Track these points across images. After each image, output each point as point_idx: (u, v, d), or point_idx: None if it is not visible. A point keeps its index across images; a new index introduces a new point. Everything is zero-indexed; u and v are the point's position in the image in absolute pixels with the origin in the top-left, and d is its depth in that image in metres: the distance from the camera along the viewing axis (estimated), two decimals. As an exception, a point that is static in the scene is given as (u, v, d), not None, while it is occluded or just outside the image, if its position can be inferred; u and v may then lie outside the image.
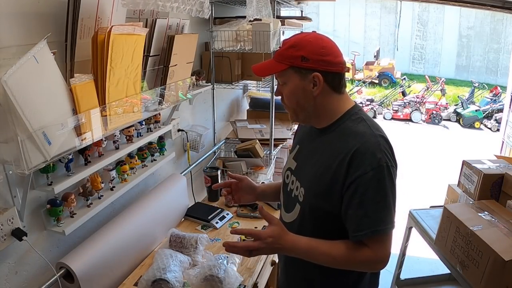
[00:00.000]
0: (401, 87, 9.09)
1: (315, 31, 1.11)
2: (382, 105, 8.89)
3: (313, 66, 1.00)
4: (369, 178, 0.96)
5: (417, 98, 8.56)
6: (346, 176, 0.98)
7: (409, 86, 9.49)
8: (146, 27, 1.44)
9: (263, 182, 1.86)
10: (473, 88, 8.63)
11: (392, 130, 7.53)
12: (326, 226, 1.06)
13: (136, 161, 1.62)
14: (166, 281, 1.35)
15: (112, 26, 1.12)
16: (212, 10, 2.22)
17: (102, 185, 1.40)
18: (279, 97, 1.12)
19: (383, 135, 1.03)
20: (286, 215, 1.18)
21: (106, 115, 1.22)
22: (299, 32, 1.10)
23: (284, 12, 3.47)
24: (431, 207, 2.25)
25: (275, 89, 2.26)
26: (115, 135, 1.47)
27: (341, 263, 1.01)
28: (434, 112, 8.01)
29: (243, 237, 1.68)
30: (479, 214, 1.65)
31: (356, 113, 1.07)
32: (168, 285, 1.35)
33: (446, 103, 8.69)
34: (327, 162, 1.03)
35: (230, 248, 1.02)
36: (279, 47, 1.06)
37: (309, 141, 1.16)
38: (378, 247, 0.99)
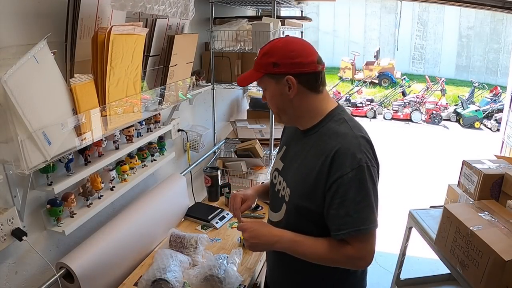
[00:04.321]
0: (401, 87, 9.09)
1: (288, 35, 1.14)
2: (382, 105, 8.88)
3: (285, 70, 1.03)
4: (350, 178, 0.98)
5: (417, 98, 8.56)
6: (328, 177, 1.01)
7: (409, 86, 9.49)
8: (146, 27, 1.44)
9: (262, 183, 1.86)
10: (473, 88, 8.62)
11: (392, 130, 7.53)
12: (310, 225, 1.09)
13: (136, 161, 1.62)
14: (166, 281, 1.35)
15: (112, 26, 1.12)
16: (212, 10, 2.22)
17: (102, 185, 1.40)
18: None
19: (364, 135, 1.05)
20: (273, 214, 1.22)
21: (106, 115, 1.22)
22: (277, 38, 1.14)
23: (284, 12, 3.47)
24: (431, 207, 2.25)
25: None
26: (115, 135, 1.47)
27: (324, 258, 1.05)
28: (434, 112, 8.01)
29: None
30: (479, 214, 1.65)
31: (339, 113, 1.10)
32: (168, 285, 1.35)
33: (446, 103, 8.68)
34: (311, 164, 1.06)
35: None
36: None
37: (295, 142, 1.19)
38: (360, 246, 1.01)
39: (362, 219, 0.99)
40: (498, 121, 7.01)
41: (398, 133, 7.29)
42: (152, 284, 1.36)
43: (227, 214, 1.92)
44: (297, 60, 1.03)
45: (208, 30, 2.20)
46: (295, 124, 1.16)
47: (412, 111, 8.14)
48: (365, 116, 8.32)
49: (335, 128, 1.06)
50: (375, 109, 8.40)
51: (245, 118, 3.03)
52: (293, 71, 1.03)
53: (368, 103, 8.72)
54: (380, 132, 7.30)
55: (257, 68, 1.08)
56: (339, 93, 9.33)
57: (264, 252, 1.64)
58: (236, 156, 2.46)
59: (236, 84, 2.37)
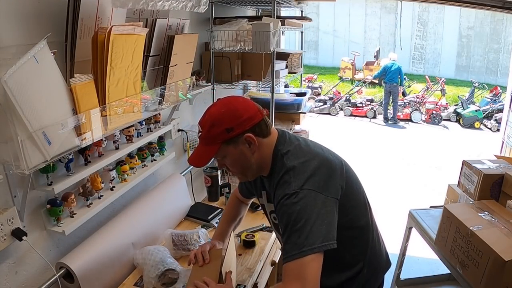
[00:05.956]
0: (401, 87, 9.08)
1: (219, 98, 1.14)
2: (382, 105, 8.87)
3: (240, 131, 1.06)
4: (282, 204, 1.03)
5: (417, 98, 8.55)
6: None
7: (409, 86, 9.48)
8: (146, 27, 1.44)
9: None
10: (473, 88, 8.61)
11: (392, 130, 7.53)
12: None
13: (136, 161, 1.62)
14: (171, 269, 1.39)
15: (112, 26, 1.12)
16: (212, 10, 2.22)
17: (102, 185, 1.40)
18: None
19: (300, 163, 1.06)
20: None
21: (106, 115, 1.22)
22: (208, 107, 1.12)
23: (284, 12, 3.47)
24: (431, 207, 2.24)
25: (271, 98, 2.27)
26: (115, 135, 1.47)
27: None
28: (434, 112, 8.00)
29: (242, 236, 1.68)
30: (479, 214, 1.65)
31: (279, 150, 1.11)
32: (174, 272, 1.38)
33: (446, 103, 8.67)
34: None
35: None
36: (199, 131, 1.10)
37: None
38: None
39: (295, 245, 0.96)
40: (498, 121, 7.00)
41: (398, 133, 7.29)
42: (160, 278, 1.37)
43: (227, 214, 1.92)
44: (245, 116, 1.06)
45: (208, 30, 2.20)
46: (259, 174, 1.18)
47: (412, 111, 8.13)
48: (365, 116, 8.31)
49: (279, 170, 1.09)
50: (375, 109, 8.40)
51: (245, 118, 3.02)
52: (247, 128, 1.06)
53: (368, 103, 8.71)
54: (379, 132, 7.32)
55: (209, 142, 1.07)
56: (339, 93, 9.33)
57: (264, 252, 1.64)
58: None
59: (236, 84, 2.38)
